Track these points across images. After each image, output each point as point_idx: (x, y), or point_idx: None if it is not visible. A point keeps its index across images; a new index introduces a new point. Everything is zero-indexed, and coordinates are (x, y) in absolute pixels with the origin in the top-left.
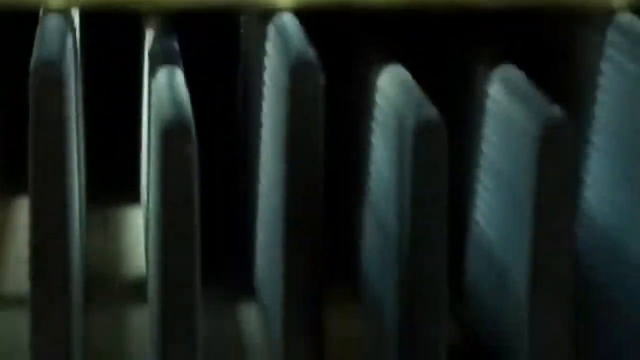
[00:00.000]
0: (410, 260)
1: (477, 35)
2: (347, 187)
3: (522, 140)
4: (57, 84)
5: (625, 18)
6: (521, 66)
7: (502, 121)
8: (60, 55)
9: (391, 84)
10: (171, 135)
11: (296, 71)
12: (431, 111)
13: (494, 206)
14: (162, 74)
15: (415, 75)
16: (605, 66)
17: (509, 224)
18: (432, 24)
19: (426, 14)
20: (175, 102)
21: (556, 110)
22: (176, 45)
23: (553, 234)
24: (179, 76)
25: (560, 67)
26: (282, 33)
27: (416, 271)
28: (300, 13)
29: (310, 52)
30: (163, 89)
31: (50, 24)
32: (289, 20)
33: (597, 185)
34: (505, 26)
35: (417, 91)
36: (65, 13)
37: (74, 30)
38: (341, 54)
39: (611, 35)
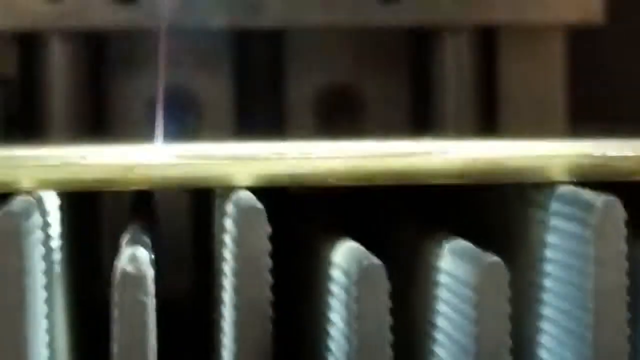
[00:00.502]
0: None
1: (425, 211)
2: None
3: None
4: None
5: (566, 188)
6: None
7: (451, 290)
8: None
9: (343, 255)
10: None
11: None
12: (372, 259)
13: None
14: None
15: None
16: (551, 237)
17: None
18: (382, 200)
19: (376, 191)
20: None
21: (494, 259)
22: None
23: None
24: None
25: (506, 242)
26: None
27: None
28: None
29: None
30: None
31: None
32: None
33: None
34: (452, 202)
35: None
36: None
37: (44, 211)
38: (291, 227)
39: (554, 205)
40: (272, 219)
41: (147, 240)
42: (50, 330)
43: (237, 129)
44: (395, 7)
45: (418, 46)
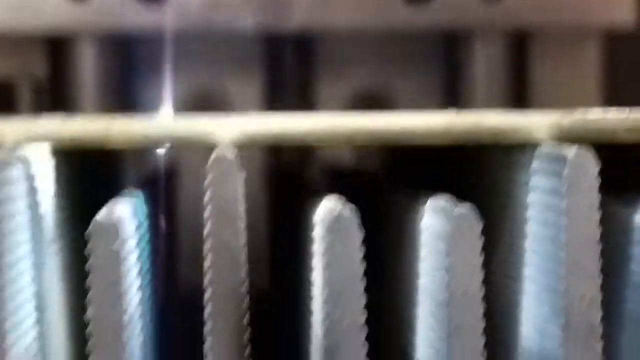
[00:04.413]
0: None
1: (416, 174)
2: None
3: (438, 245)
4: None
5: (548, 146)
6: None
7: (431, 245)
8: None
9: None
10: None
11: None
12: (343, 210)
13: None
14: None
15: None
16: (531, 197)
17: None
18: (372, 160)
19: (367, 151)
20: None
21: (464, 210)
22: None
23: None
24: None
25: (491, 203)
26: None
27: None
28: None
29: None
30: None
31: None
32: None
33: (531, 318)
34: (437, 161)
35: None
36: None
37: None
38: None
39: (535, 164)
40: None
41: (141, 195)
42: (37, 282)
43: None
44: (424, 11)
45: (449, 49)
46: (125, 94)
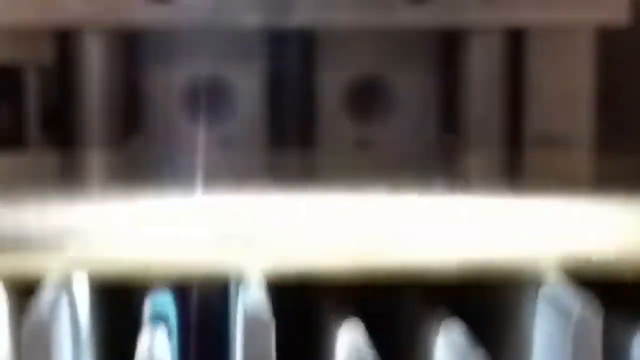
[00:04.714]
0: None
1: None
2: None
3: None
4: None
5: (553, 288)
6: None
7: None
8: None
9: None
10: None
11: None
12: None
13: None
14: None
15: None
16: (537, 335)
17: None
18: (386, 291)
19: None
20: None
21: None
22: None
23: None
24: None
25: (499, 333)
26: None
27: None
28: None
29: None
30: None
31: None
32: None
33: None
34: (451, 294)
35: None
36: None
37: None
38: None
39: (540, 305)
40: None
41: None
42: None
43: (269, 119)
44: (423, 8)
45: (447, 44)
46: (134, 86)
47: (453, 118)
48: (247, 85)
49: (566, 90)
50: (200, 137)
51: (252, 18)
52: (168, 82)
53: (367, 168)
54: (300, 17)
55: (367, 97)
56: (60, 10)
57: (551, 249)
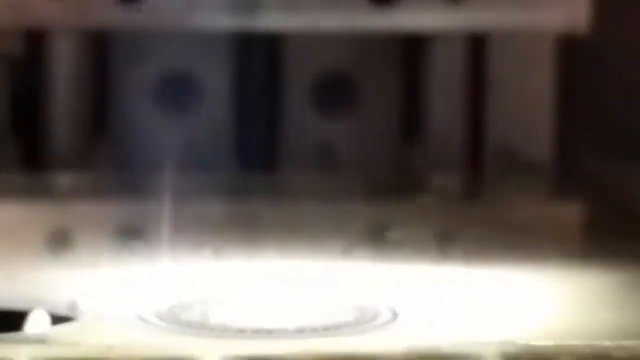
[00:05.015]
0: None
1: None
2: None
3: None
4: None
5: None
6: None
7: None
8: None
9: None
10: None
11: None
12: None
13: None
14: None
15: None
16: None
17: None
18: None
19: None
20: None
21: None
22: None
23: None
24: None
25: None
26: None
27: None
28: None
29: None
30: None
31: None
32: None
33: None
34: None
35: None
36: None
37: None
38: None
39: None
40: None
41: None
42: None
43: (236, 113)
44: (388, 14)
45: (411, 48)
46: (101, 86)
47: (415, 121)
48: (215, 84)
49: (526, 95)
50: (167, 140)
51: (221, 20)
52: (135, 81)
53: (329, 190)
54: (268, 20)
55: (332, 96)
56: (29, 9)
57: (491, 334)
